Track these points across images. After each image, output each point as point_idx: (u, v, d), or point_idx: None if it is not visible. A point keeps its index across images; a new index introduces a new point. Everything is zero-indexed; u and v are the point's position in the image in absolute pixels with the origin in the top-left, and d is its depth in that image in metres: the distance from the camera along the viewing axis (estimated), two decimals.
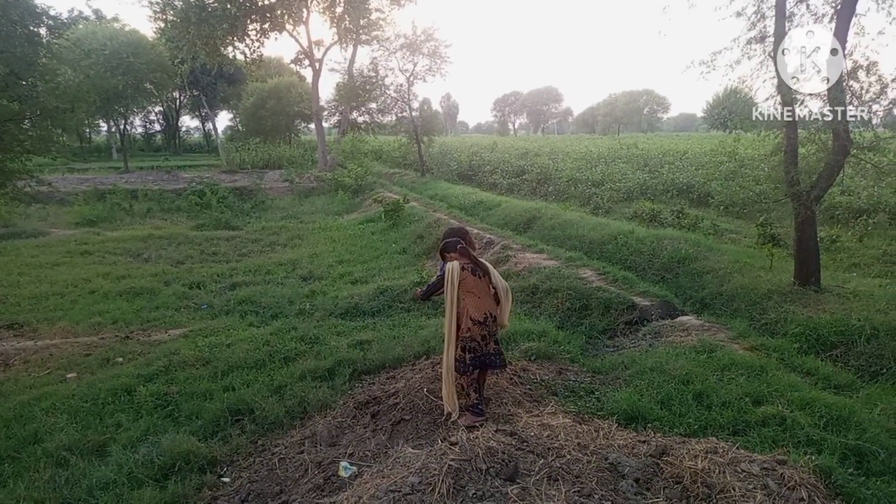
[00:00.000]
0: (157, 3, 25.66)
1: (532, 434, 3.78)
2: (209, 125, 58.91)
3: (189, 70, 31.90)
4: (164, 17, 26.23)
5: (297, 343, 7.27)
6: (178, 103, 55.27)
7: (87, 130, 51.02)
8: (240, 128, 49.02)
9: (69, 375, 6.76)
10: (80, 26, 36.67)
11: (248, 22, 26.92)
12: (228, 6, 24.82)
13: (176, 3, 25.47)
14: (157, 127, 59.90)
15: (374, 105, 34.29)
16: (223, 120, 75.22)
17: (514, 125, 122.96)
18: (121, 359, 7.21)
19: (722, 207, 15.19)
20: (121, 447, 5.02)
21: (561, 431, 3.99)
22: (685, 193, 18.05)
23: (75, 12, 41.42)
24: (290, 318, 8.57)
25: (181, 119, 60.44)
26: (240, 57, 28.94)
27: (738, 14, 8.07)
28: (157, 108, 54.53)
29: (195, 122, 66.48)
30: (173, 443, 4.88)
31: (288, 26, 28.71)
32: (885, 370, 5.82)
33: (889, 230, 12.35)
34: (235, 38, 27.31)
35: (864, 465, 3.95)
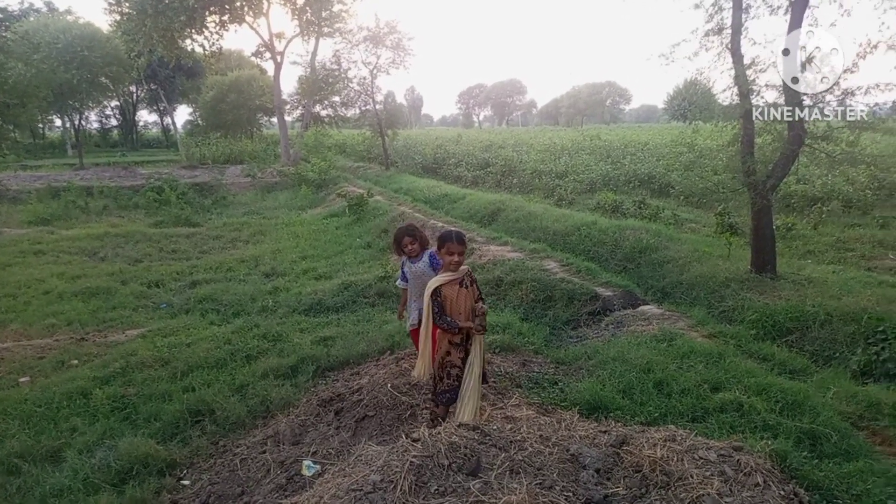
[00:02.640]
0: None
1: (495, 427, 3.79)
2: (168, 120, 57.89)
3: (146, 63, 31.19)
4: (119, 9, 25.60)
5: (260, 341, 7.14)
6: (135, 97, 54.08)
7: (41, 126, 49.54)
8: (199, 122, 48.19)
9: (22, 380, 6.55)
10: (32, 19, 35.61)
11: (207, 14, 26.43)
12: None
13: None
14: (114, 122, 58.45)
15: (337, 98, 34.07)
16: (182, 114, 74.11)
17: (478, 117, 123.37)
18: (76, 361, 7.01)
19: (682, 197, 15.48)
20: (76, 452, 4.88)
21: (524, 424, 4.00)
22: (647, 184, 18.33)
23: (26, 4, 40.21)
24: (252, 316, 8.43)
25: (138, 114, 59.31)
26: (198, 50, 28.46)
27: (697, 6, 8.19)
28: (114, 103, 53.33)
29: (153, 117, 65.41)
30: (131, 446, 4.76)
31: (248, 18, 28.28)
32: (837, 354, 6.00)
33: (843, 217, 12.74)
34: (193, 31, 26.82)
35: (818, 447, 4.05)
